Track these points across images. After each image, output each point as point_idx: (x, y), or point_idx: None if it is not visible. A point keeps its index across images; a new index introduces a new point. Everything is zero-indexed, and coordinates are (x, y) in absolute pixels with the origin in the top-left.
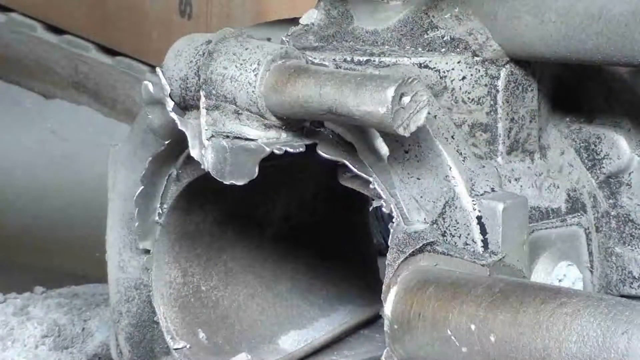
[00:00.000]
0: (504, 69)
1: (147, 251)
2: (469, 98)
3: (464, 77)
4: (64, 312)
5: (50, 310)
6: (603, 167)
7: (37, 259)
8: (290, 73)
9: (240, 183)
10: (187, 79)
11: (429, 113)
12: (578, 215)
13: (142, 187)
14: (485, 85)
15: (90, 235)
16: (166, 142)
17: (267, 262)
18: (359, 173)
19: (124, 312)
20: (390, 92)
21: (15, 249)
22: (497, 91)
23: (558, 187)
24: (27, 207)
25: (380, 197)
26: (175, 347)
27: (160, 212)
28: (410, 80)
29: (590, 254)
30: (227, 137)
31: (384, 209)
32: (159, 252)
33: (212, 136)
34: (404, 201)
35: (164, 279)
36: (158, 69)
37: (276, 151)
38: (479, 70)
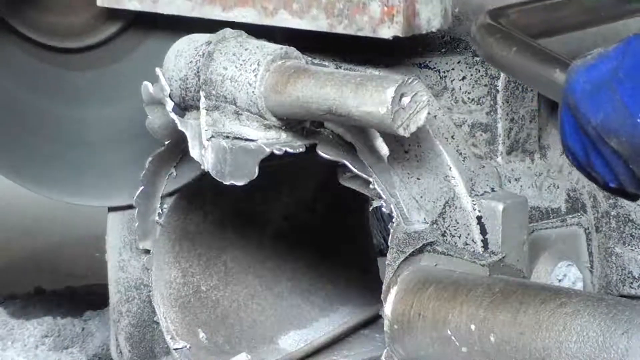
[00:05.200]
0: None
1: (147, 251)
2: (469, 98)
3: (464, 77)
4: (64, 312)
5: (50, 310)
6: None
7: (37, 259)
8: (290, 74)
9: (240, 183)
10: (187, 79)
11: (429, 113)
12: (578, 215)
13: (142, 187)
14: (485, 85)
15: (90, 235)
16: (166, 143)
17: (267, 262)
18: (359, 173)
19: (124, 312)
20: (390, 92)
21: (15, 250)
22: (497, 91)
23: (558, 187)
24: (27, 207)
25: (380, 197)
26: (175, 347)
27: (160, 212)
28: (410, 80)
29: (590, 254)
30: (227, 137)
31: (384, 209)
32: (159, 252)
33: (212, 137)
34: (404, 201)
35: (164, 279)
36: (158, 70)
37: (276, 152)
38: (479, 70)
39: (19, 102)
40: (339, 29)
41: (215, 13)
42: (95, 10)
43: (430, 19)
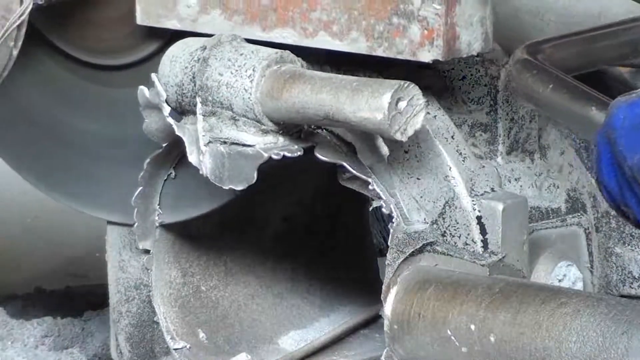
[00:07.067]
0: (504, 69)
1: (147, 251)
2: (469, 98)
3: (464, 77)
4: (64, 312)
5: (50, 310)
6: None
7: (37, 259)
8: (285, 79)
9: (239, 188)
10: (183, 85)
11: (428, 113)
12: (578, 215)
13: (141, 187)
14: (485, 85)
15: (90, 235)
16: (164, 145)
17: (266, 262)
18: (358, 174)
19: (124, 312)
20: (387, 98)
21: (15, 249)
22: (497, 91)
23: (558, 187)
24: (27, 207)
25: (380, 198)
26: (175, 347)
27: (160, 212)
28: (406, 85)
29: (590, 254)
30: (225, 143)
31: (383, 209)
32: (159, 252)
33: (210, 142)
34: (403, 201)
35: (164, 279)
36: (153, 75)
37: (274, 156)
38: (479, 70)
39: (57, 118)
40: (379, 52)
41: (255, 34)
42: (134, 28)
43: (471, 42)
